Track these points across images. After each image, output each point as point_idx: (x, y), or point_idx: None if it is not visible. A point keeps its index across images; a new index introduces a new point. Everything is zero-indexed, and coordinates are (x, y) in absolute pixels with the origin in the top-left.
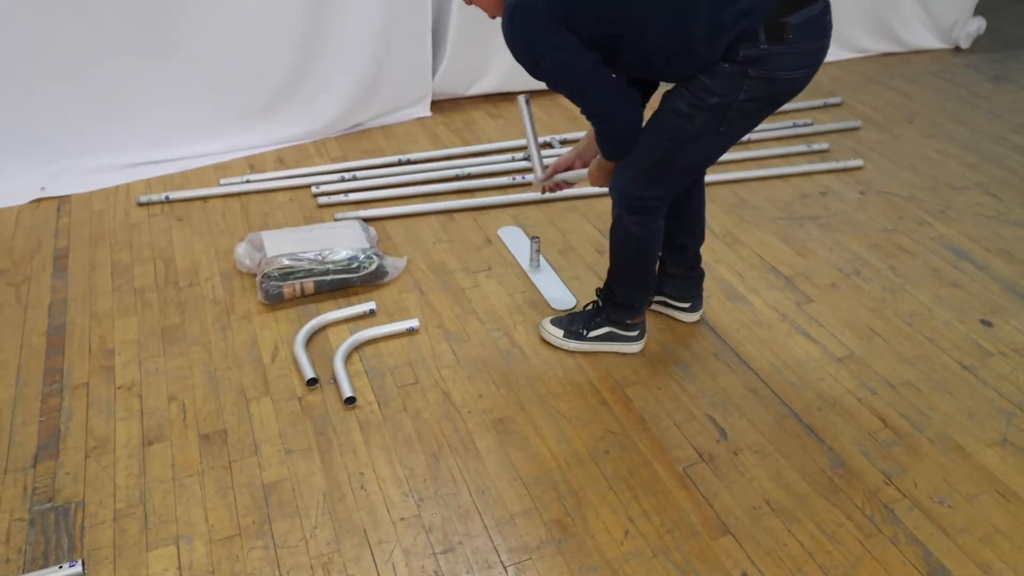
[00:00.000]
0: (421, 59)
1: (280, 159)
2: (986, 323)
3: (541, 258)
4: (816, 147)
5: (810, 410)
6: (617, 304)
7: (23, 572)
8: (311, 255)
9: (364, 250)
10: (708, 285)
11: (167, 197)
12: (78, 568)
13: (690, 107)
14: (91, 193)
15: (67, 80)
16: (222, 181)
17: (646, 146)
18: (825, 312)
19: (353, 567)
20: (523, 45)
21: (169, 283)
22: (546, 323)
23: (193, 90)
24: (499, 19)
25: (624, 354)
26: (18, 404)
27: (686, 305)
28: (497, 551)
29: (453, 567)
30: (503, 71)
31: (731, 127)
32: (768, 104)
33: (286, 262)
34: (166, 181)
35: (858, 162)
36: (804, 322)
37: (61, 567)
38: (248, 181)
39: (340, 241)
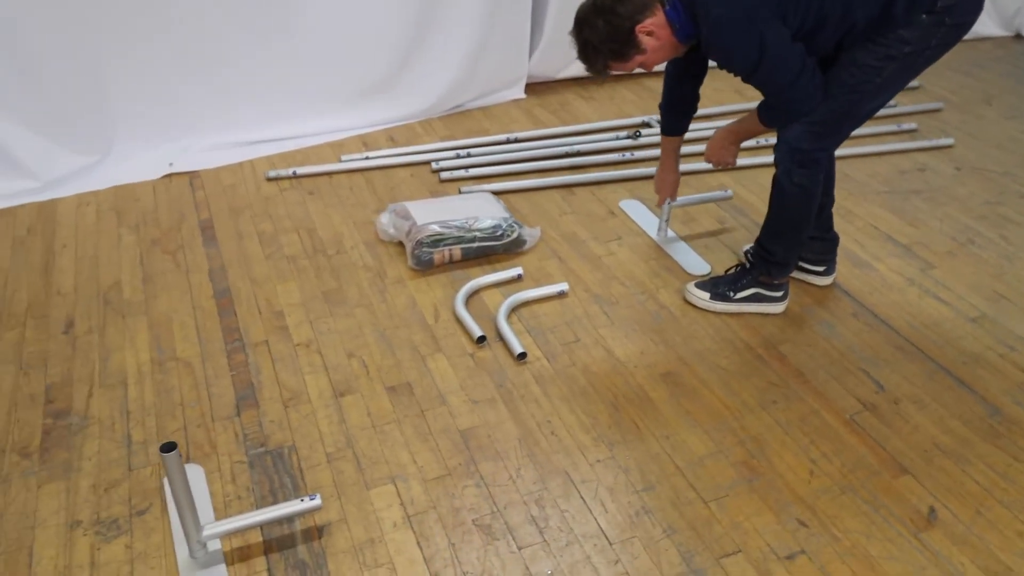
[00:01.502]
0: (520, 41)
1: (391, 137)
2: None
3: (668, 228)
4: (905, 127)
5: (956, 365)
6: (773, 262)
7: (257, 507)
8: (458, 223)
9: (505, 219)
10: None
11: (294, 172)
12: (317, 501)
13: (880, 60)
14: (218, 169)
15: (189, 60)
16: (343, 158)
17: (824, 102)
18: (949, 277)
19: (564, 503)
20: (747, 44)
21: (317, 251)
22: (691, 287)
23: (309, 70)
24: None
25: (768, 314)
26: (206, 360)
27: (821, 268)
28: (694, 488)
29: (658, 502)
30: None
31: (914, 74)
32: (948, 49)
33: (437, 229)
34: (287, 158)
35: (949, 140)
36: (932, 286)
37: (302, 500)
38: (367, 158)
39: (481, 211)
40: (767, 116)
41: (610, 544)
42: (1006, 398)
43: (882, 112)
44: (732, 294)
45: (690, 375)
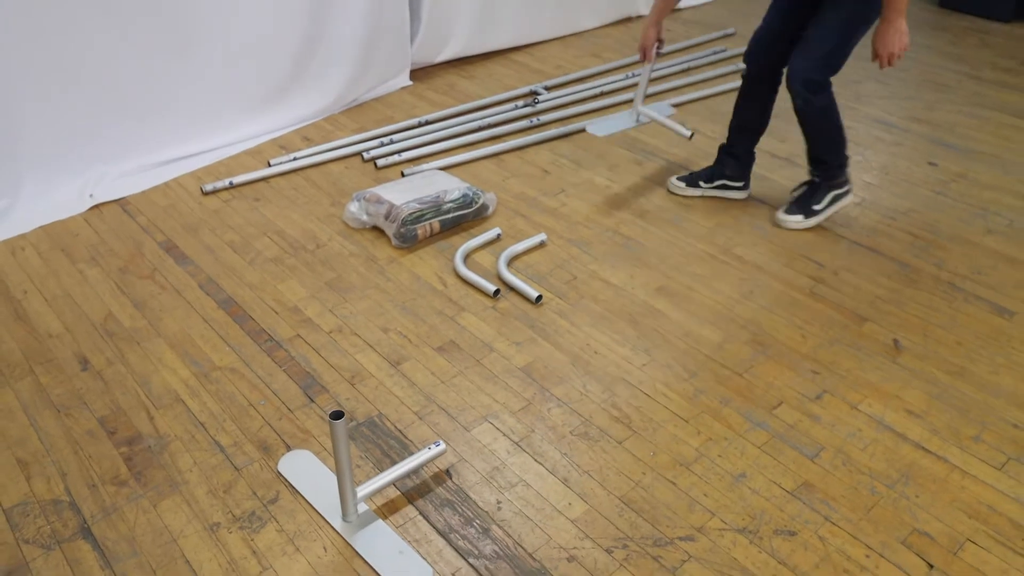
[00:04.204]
0: (401, 30)
1: (305, 137)
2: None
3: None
4: (741, 66)
5: (863, 237)
6: (834, 166)
7: (377, 468)
8: (431, 198)
9: (469, 188)
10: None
11: (231, 183)
12: (442, 446)
13: None
14: (145, 192)
15: (89, 86)
16: (272, 161)
17: (826, 39)
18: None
19: (635, 402)
20: None
21: (298, 249)
22: (782, 215)
23: (208, 84)
24: None
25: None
26: (249, 363)
27: (740, 184)
28: (727, 367)
29: (705, 383)
30: (464, 37)
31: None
32: None
33: (416, 206)
34: (211, 171)
35: None
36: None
37: (429, 448)
38: (296, 158)
39: (445, 184)
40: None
41: (686, 422)
42: (907, 254)
43: (716, 57)
44: (816, 207)
45: (678, 285)
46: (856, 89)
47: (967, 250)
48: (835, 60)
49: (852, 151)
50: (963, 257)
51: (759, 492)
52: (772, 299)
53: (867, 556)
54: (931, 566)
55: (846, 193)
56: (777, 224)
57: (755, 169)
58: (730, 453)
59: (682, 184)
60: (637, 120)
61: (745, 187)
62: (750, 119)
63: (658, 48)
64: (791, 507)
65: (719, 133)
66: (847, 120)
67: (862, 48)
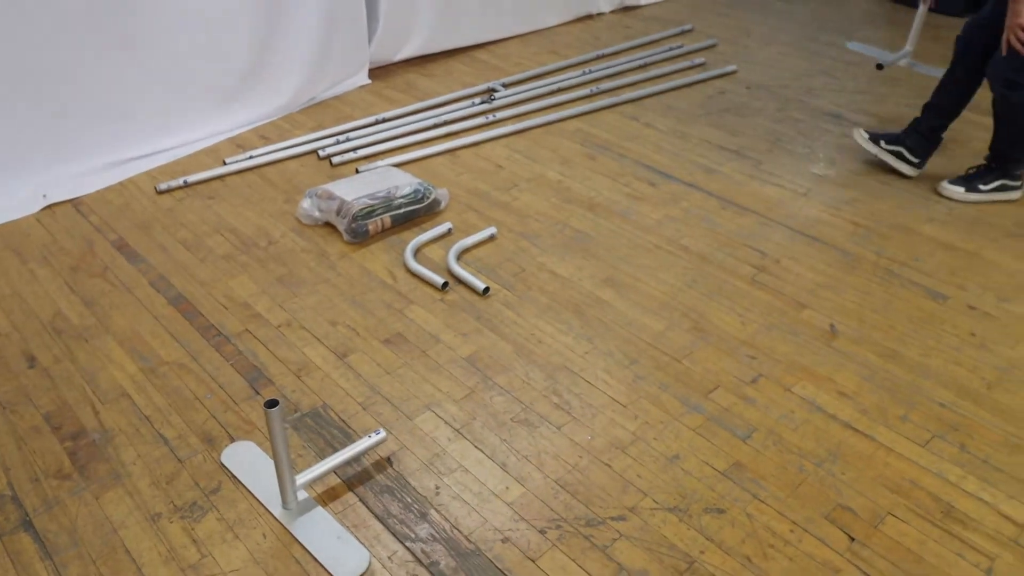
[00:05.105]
0: (359, 28)
1: (262, 136)
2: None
3: None
4: (696, 62)
5: (805, 227)
6: (1012, 160)
7: (320, 457)
8: (383, 193)
9: (421, 183)
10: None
11: (185, 182)
12: (383, 434)
13: None
14: (100, 192)
15: (44, 86)
16: (227, 160)
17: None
18: (775, 168)
19: (575, 389)
20: None
21: (249, 246)
22: (946, 184)
23: (165, 82)
24: None
25: (1009, 201)
26: (197, 357)
27: (917, 160)
28: (667, 354)
29: (645, 370)
30: (424, 36)
31: None
32: None
33: (367, 201)
34: (167, 170)
35: (733, 67)
36: (766, 176)
37: (370, 436)
38: (251, 157)
39: (397, 180)
40: None
41: (624, 407)
42: (847, 242)
43: (671, 54)
44: (982, 187)
45: (624, 276)
46: (807, 83)
47: (907, 237)
48: None
49: (800, 144)
50: (902, 244)
51: (691, 473)
52: (715, 287)
53: (791, 531)
54: (852, 539)
55: (1015, 188)
56: (939, 192)
57: (702, 161)
58: (665, 436)
59: (866, 136)
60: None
61: (919, 166)
62: (943, 101)
63: None
64: (721, 486)
65: (670, 127)
66: (797, 113)
67: (813, 43)
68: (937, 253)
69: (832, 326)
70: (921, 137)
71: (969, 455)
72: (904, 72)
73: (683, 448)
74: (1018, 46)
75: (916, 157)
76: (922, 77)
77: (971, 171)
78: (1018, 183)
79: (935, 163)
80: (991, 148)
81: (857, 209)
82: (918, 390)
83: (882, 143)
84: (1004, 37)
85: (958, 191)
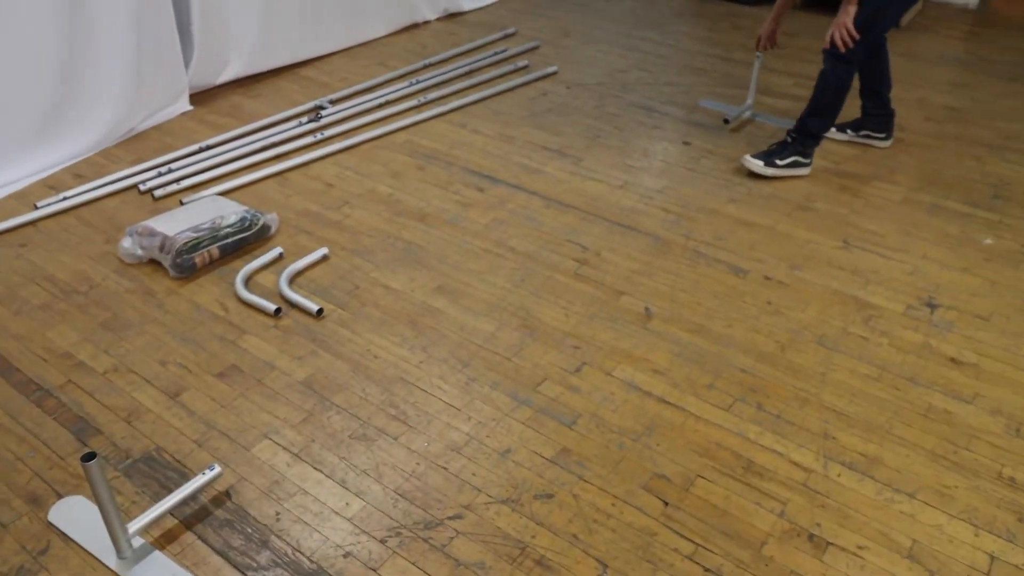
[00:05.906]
0: (172, 54)
1: (76, 175)
2: (685, 143)
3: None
4: (520, 64)
5: (622, 217)
6: (809, 134)
7: (156, 501)
8: (207, 225)
9: (247, 211)
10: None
11: None
12: (217, 469)
13: None
14: None
15: None
16: (38, 204)
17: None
18: (594, 163)
19: (411, 399)
20: None
21: (69, 293)
22: (748, 158)
23: None
24: (236, 7)
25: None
26: (16, 416)
27: (883, 135)
28: (497, 353)
29: (476, 372)
30: (245, 57)
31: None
32: None
33: (191, 235)
34: None
35: (554, 68)
36: (587, 172)
37: (204, 473)
38: (65, 198)
39: (222, 210)
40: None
41: (458, 410)
42: (660, 229)
43: (496, 59)
44: (778, 161)
45: (455, 283)
46: (622, 78)
47: (711, 219)
48: (864, 37)
49: (615, 138)
50: (708, 226)
51: (522, 464)
52: (540, 285)
53: (613, 505)
54: (666, 504)
55: (805, 166)
56: (742, 163)
57: (527, 162)
58: (498, 432)
59: (834, 129)
60: (749, 112)
61: (887, 138)
62: (866, 84)
63: (771, 42)
64: (550, 473)
65: (496, 132)
66: (612, 108)
67: (628, 39)
68: (738, 231)
69: (647, 309)
70: (874, 117)
71: (765, 413)
72: (708, 61)
73: (514, 442)
74: (839, 43)
75: (882, 132)
76: (723, 63)
77: (772, 147)
78: (808, 160)
79: (734, 147)
80: (799, 118)
81: (668, 196)
82: (722, 359)
83: (848, 131)
84: (829, 32)
85: (757, 164)
